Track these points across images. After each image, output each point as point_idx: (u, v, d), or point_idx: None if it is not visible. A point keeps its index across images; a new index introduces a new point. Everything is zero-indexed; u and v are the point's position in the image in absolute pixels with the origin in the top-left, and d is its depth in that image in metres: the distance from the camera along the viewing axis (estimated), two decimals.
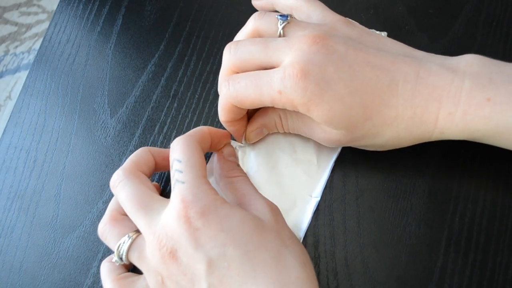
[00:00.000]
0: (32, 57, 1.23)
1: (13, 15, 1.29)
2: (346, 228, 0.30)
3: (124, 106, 0.36)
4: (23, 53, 1.24)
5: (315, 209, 0.30)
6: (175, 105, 0.35)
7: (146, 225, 0.25)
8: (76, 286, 0.31)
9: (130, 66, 0.37)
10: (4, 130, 0.36)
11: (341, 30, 0.28)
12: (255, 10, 0.38)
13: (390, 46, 0.28)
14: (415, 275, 0.28)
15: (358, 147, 0.30)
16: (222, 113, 0.30)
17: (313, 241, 0.30)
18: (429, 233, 0.29)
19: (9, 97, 1.20)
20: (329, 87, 0.26)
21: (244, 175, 0.30)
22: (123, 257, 0.26)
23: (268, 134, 0.33)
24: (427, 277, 0.28)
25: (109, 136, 0.35)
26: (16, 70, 1.23)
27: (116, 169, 0.33)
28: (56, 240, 0.32)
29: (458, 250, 0.29)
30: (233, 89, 0.28)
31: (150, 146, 0.34)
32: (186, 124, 0.34)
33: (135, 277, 0.28)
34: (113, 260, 0.27)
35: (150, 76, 0.36)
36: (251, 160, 0.32)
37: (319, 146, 0.32)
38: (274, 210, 0.27)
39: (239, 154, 0.33)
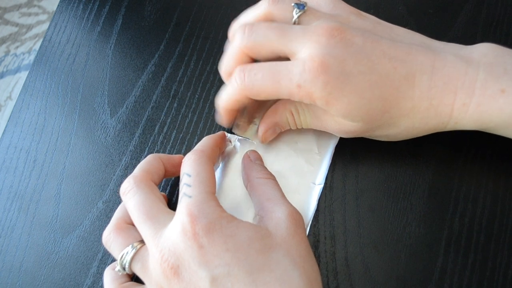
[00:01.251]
0: (32, 57, 1.23)
1: (14, 16, 1.29)
2: (346, 228, 0.30)
3: (124, 106, 0.36)
4: (23, 53, 1.24)
5: (319, 196, 0.31)
6: (175, 105, 0.35)
7: (150, 236, 0.25)
8: (76, 286, 0.31)
9: (130, 66, 0.37)
10: (4, 130, 0.36)
11: (355, 22, 0.28)
12: None
13: (403, 36, 0.28)
14: (415, 275, 0.28)
15: (370, 138, 0.30)
16: (230, 102, 0.29)
17: (313, 241, 0.30)
18: (429, 233, 0.29)
19: (9, 97, 1.20)
20: (349, 80, 0.25)
21: (273, 178, 0.29)
22: (126, 267, 0.26)
23: None
24: (427, 277, 0.28)
25: (109, 136, 0.35)
26: (17, 70, 1.23)
27: (116, 169, 0.33)
28: (56, 240, 0.32)
29: (458, 250, 0.29)
30: (249, 80, 0.27)
31: (150, 146, 0.34)
32: (186, 124, 0.34)
33: (138, 287, 0.27)
34: (116, 270, 0.27)
35: (150, 76, 0.36)
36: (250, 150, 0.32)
37: (319, 134, 0.32)
38: (296, 220, 0.26)
39: (239, 146, 0.33)
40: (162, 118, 0.35)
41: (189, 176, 0.26)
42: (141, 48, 0.38)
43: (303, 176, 0.31)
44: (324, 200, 0.31)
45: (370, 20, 0.29)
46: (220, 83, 0.35)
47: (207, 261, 0.23)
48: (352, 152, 0.32)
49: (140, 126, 0.35)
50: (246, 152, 0.31)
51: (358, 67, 0.26)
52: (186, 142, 0.34)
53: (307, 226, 0.30)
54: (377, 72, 0.26)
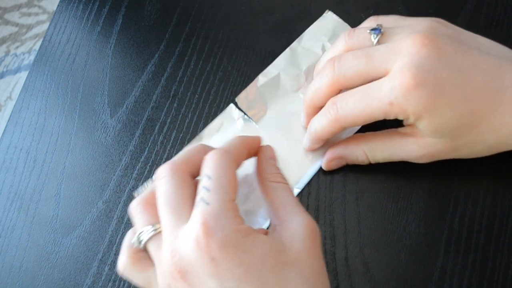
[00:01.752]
0: (32, 57, 1.23)
1: (14, 16, 1.29)
2: (346, 228, 0.30)
3: (124, 106, 0.36)
4: (23, 53, 1.24)
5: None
6: (175, 105, 0.35)
7: (168, 229, 0.24)
8: (76, 286, 0.31)
9: (130, 66, 0.37)
10: (4, 130, 0.36)
11: (439, 29, 0.27)
12: (255, 10, 0.38)
13: (490, 47, 0.27)
14: (415, 275, 0.28)
15: (453, 157, 0.29)
16: (325, 133, 0.29)
17: None
18: (429, 233, 0.29)
19: (9, 97, 1.20)
20: (444, 93, 0.25)
21: (286, 182, 0.28)
22: (141, 244, 0.26)
23: (275, 114, 0.33)
24: (427, 277, 0.28)
25: (109, 136, 0.35)
26: (17, 70, 1.23)
27: (116, 169, 0.33)
28: (56, 240, 0.32)
29: (458, 250, 0.29)
30: (342, 112, 0.27)
31: (150, 146, 0.34)
32: (186, 124, 0.34)
33: (148, 262, 0.26)
34: (132, 241, 0.26)
35: (150, 76, 0.36)
36: (251, 135, 0.32)
37: None
38: (312, 231, 0.25)
39: (241, 124, 0.33)
40: (162, 118, 0.35)
41: (209, 178, 0.24)
42: (141, 48, 0.38)
43: (288, 175, 0.31)
44: (324, 200, 0.31)
45: (452, 28, 0.28)
46: (220, 82, 0.35)
47: (218, 273, 0.22)
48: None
49: (140, 126, 0.35)
50: (264, 147, 0.29)
51: (452, 79, 0.25)
52: (186, 142, 0.34)
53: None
54: (470, 86, 0.25)
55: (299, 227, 0.25)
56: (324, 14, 0.36)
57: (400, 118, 0.26)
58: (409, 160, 0.29)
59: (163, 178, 0.26)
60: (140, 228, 0.26)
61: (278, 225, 0.25)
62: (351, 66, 0.27)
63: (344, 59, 0.27)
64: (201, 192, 0.24)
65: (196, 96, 0.35)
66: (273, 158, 0.29)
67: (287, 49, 0.35)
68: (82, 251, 0.32)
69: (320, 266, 0.25)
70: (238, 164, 0.26)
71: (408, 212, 0.30)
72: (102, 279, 0.31)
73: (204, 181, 0.24)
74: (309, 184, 0.31)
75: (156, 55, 0.37)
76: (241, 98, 0.34)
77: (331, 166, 0.31)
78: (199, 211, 0.23)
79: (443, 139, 0.27)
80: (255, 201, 0.31)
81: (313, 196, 0.31)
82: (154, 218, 0.26)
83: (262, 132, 0.33)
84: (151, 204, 0.27)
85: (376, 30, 0.27)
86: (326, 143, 0.31)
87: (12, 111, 0.37)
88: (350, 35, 0.29)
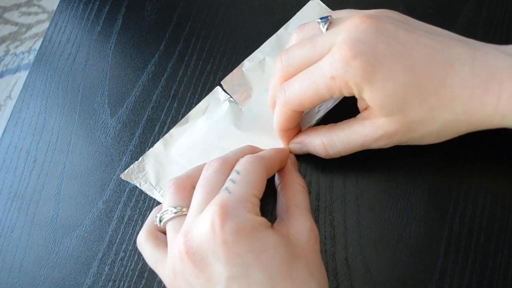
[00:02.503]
0: (32, 57, 1.23)
1: (13, 15, 1.29)
2: (346, 228, 0.30)
3: (124, 106, 0.36)
4: (23, 53, 1.24)
5: None
6: (175, 105, 0.35)
7: (191, 212, 0.25)
8: (76, 286, 0.31)
9: (130, 66, 0.37)
10: (4, 130, 0.36)
11: (386, 14, 0.27)
12: (255, 10, 0.38)
13: (439, 31, 0.27)
14: (415, 275, 0.28)
15: (413, 144, 0.28)
16: (282, 122, 0.29)
17: None
18: (429, 233, 0.29)
19: (9, 96, 1.20)
20: (382, 64, 0.25)
21: (305, 186, 0.29)
22: (162, 223, 0.26)
23: (259, 98, 0.33)
24: (427, 277, 0.28)
25: (109, 136, 0.35)
26: (16, 70, 1.23)
27: (116, 168, 0.33)
28: (56, 240, 0.32)
29: (458, 250, 0.29)
30: (289, 93, 0.27)
31: (150, 146, 0.34)
32: None
33: (163, 243, 0.27)
34: (155, 218, 0.27)
35: (150, 76, 0.36)
36: (236, 117, 0.33)
37: None
38: (315, 235, 0.26)
39: (227, 106, 0.34)
40: (162, 118, 0.35)
41: (238, 173, 0.25)
42: (141, 48, 0.38)
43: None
44: (324, 200, 0.31)
45: (402, 15, 0.28)
46: (220, 82, 0.35)
47: (228, 257, 0.22)
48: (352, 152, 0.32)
49: (140, 126, 0.35)
50: (290, 152, 0.31)
51: (391, 51, 0.25)
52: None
53: None
54: (412, 58, 0.25)
55: (304, 228, 0.26)
56: (310, 1, 0.36)
57: (345, 93, 0.26)
58: (369, 147, 0.28)
59: (210, 167, 0.27)
60: (165, 207, 0.27)
61: (286, 220, 0.26)
62: (297, 55, 0.27)
63: (290, 50, 0.28)
64: (227, 183, 0.25)
65: (196, 96, 0.35)
66: (296, 164, 0.31)
67: (273, 35, 0.36)
68: (82, 251, 0.32)
69: (321, 265, 0.26)
70: (269, 173, 0.27)
71: (408, 212, 0.30)
72: (102, 279, 0.31)
73: (233, 175, 0.25)
74: (309, 184, 0.31)
75: (156, 55, 0.37)
76: (226, 81, 0.35)
77: (294, 149, 0.31)
78: (220, 197, 0.24)
79: (395, 116, 0.26)
80: None
81: (313, 196, 0.31)
82: (181, 201, 0.27)
83: (246, 114, 0.33)
84: (183, 188, 0.27)
85: (324, 18, 0.28)
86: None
87: (12, 111, 0.37)
88: (301, 28, 0.29)
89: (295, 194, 0.28)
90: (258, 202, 0.25)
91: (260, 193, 0.25)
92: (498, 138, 0.31)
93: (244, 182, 0.25)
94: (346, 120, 0.29)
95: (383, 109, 0.26)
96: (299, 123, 0.31)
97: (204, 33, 0.37)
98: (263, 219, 0.24)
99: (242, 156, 0.28)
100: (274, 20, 0.37)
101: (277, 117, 0.29)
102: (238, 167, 0.26)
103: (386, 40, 0.25)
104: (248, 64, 0.35)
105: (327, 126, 0.30)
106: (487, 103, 0.25)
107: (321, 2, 0.36)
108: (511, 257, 0.28)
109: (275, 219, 0.28)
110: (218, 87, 0.35)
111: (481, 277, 0.28)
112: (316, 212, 0.30)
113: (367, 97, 0.25)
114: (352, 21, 0.26)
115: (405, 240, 0.29)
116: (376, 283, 0.28)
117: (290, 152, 0.31)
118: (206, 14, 0.38)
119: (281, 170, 0.30)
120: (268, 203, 0.31)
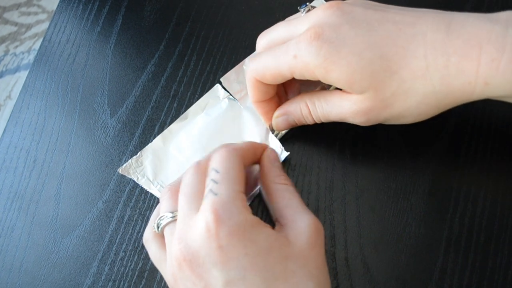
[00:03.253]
0: (32, 57, 1.23)
1: (13, 15, 1.29)
2: (346, 228, 0.30)
3: (124, 106, 0.36)
4: (23, 53, 1.24)
5: None
6: (175, 105, 0.35)
7: (180, 218, 0.25)
8: (76, 286, 0.31)
9: (130, 66, 0.37)
10: (4, 130, 0.36)
11: (358, 1, 0.27)
12: (255, 10, 0.38)
13: (415, 8, 0.27)
14: (415, 275, 0.28)
15: (395, 122, 0.28)
16: (249, 91, 0.30)
17: None
18: (429, 233, 0.29)
19: (9, 96, 1.20)
20: (345, 43, 0.25)
21: (290, 183, 0.29)
22: (159, 229, 0.27)
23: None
24: (427, 277, 0.28)
25: (109, 136, 0.35)
26: (16, 70, 1.23)
27: (116, 168, 0.33)
28: (56, 240, 0.32)
29: (458, 250, 0.29)
30: (255, 63, 0.28)
31: None
32: None
33: (165, 247, 0.27)
34: (153, 225, 0.27)
35: (150, 76, 0.36)
36: (235, 114, 0.34)
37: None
38: (317, 230, 0.25)
39: (226, 104, 0.34)
40: (162, 118, 0.35)
41: (217, 172, 0.25)
42: (141, 48, 0.38)
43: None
44: (324, 200, 0.31)
45: (380, 4, 0.27)
46: (220, 83, 0.35)
47: (224, 262, 0.23)
48: (352, 152, 0.32)
49: (140, 126, 0.35)
50: (267, 150, 0.30)
51: (355, 30, 0.25)
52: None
53: None
54: (377, 34, 0.25)
55: (305, 226, 0.25)
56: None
57: (307, 76, 0.27)
58: (347, 120, 0.28)
59: (188, 172, 0.27)
60: (162, 213, 0.27)
61: (284, 225, 0.26)
62: (274, 34, 0.30)
63: (270, 29, 0.30)
64: (209, 185, 0.25)
65: (196, 96, 0.35)
66: (277, 160, 0.30)
67: None
68: (82, 251, 0.32)
69: (323, 262, 0.25)
70: (245, 163, 0.27)
71: (408, 212, 0.30)
72: (102, 279, 0.31)
73: (212, 175, 0.25)
74: (309, 184, 0.31)
75: (156, 55, 0.37)
76: (226, 79, 0.35)
77: (278, 123, 0.31)
78: (209, 201, 0.24)
79: (367, 92, 0.26)
80: None
81: (313, 196, 0.31)
82: (176, 206, 0.27)
83: (245, 112, 0.34)
84: (177, 192, 0.27)
85: (303, 5, 0.30)
86: None
87: (12, 111, 0.37)
88: (288, 18, 0.31)
89: (282, 196, 0.27)
90: (244, 198, 0.25)
91: (243, 187, 0.25)
92: (498, 138, 0.31)
93: (226, 180, 0.25)
94: (330, 89, 0.30)
95: (352, 86, 0.26)
96: (276, 99, 0.31)
97: (204, 33, 0.37)
98: (255, 219, 0.24)
99: (248, 152, 0.28)
100: (274, 20, 0.37)
101: (248, 88, 0.30)
102: (215, 164, 0.26)
103: (351, 21, 0.25)
104: (248, 61, 0.35)
105: (310, 91, 0.31)
106: (465, 69, 0.24)
107: (323, 0, 0.36)
108: (511, 257, 0.28)
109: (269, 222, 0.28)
110: (217, 84, 0.35)
111: (481, 277, 0.28)
112: (316, 212, 0.30)
113: (334, 77, 0.26)
114: (322, 6, 0.27)
115: (405, 240, 0.29)
116: (376, 283, 0.28)
117: (276, 129, 0.32)
118: (205, 14, 0.38)
119: (260, 172, 0.29)
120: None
